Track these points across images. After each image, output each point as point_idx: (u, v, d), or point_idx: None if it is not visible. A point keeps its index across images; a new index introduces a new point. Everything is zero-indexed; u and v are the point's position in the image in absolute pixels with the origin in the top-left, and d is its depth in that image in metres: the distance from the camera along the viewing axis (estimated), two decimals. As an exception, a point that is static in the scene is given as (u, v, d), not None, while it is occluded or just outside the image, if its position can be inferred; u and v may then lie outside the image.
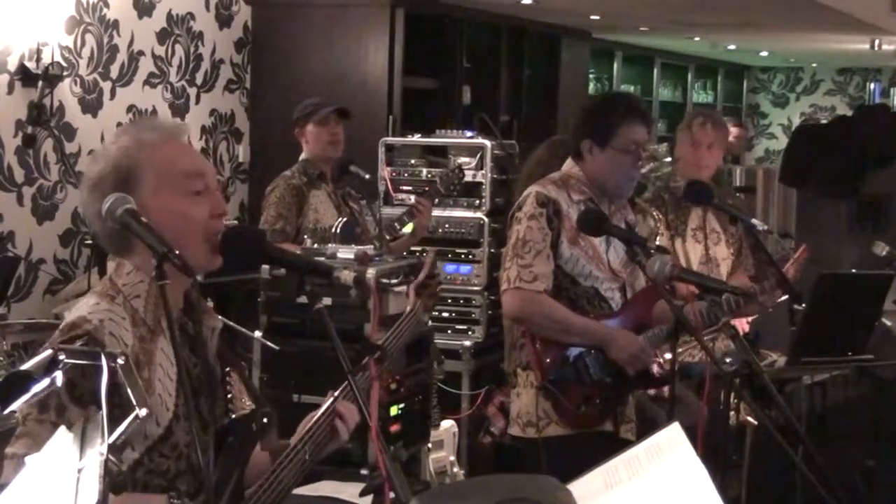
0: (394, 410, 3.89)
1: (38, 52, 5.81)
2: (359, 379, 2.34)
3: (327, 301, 3.61)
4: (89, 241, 5.78)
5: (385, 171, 5.77)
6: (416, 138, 5.98)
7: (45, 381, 1.79)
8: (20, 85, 5.80)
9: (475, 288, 5.64)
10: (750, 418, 4.17)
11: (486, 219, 5.66)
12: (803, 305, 3.93)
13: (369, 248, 4.26)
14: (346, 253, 4.18)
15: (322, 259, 4.02)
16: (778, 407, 2.89)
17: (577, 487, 2.05)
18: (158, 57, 6.68)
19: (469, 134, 5.89)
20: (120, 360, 1.81)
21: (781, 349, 4.07)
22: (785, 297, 4.00)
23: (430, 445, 4.28)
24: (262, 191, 5.29)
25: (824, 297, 3.96)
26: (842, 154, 6.96)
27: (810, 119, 13.86)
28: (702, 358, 4.29)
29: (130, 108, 6.49)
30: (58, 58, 5.93)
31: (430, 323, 4.18)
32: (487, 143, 5.71)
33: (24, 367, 1.80)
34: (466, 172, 5.50)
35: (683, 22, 9.46)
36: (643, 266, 3.19)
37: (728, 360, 3.23)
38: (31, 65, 5.79)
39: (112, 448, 1.71)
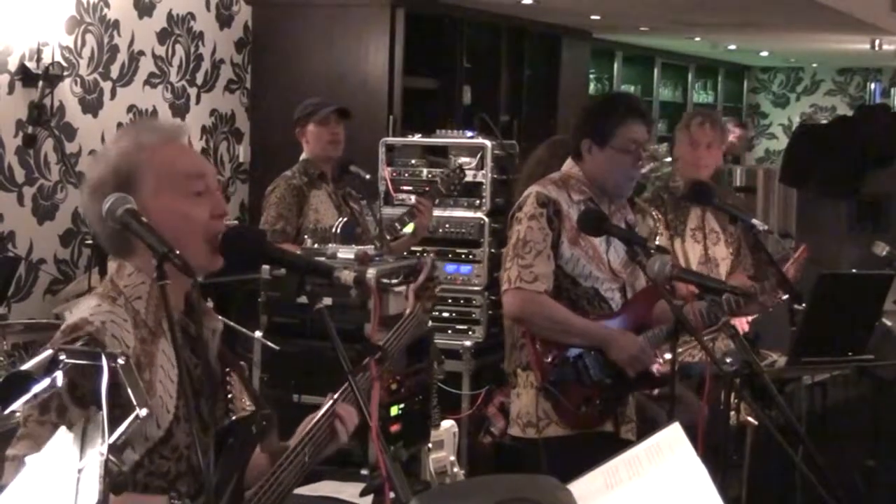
0: (394, 410, 3.89)
1: (39, 52, 5.81)
2: (359, 379, 2.34)
3: (327, 301, 3.61)
4: (90, 242, 5.77)
5: (385, 172, 5.77)
6: (417, 138, 5.98)
7: (46, 382, 1.79)
8: (21, 85, 5.80)
9: (475, 288, 5.64)
10: (750, 418, 4.17)
11: (486, 219, 5.66)
12: (803, 305, 3.93)
13: (370, 249, 4.26)
14: (346, 253, 4.18)
15: (322, 259, 4.02)
16: (778, 407, 2.89)
17: (577, 487, 2.05)
18: (159, 57, 6.68)
19: (469, 134, 5.89)
20: (120, 360, 1.81)
21: (781, 349, 4.07)
22: (785, 297, 4.00)
23: (430, 445, 4.27)
24: (262, 191, 5.29)
25: (824, 297, 3.95)
26: (842, 154, 6.96)
27: (810, 119, 13.86)
28: (702, 358, 4.29)
29: (131, 108, 6.49)
30: (58, 58, 5.93)
31: (430, 323, 4.17)
32: (488, 143, 5.71)
33: (25, 367, 1.79)
34: (467, 172, 5.50)
35: (684, 22, 9.45)
36: (643, 266, 3.19)
37: (728, 360, 3.22)
38: (31, 65, 5.79)
39: (112, 448, 1.71)
